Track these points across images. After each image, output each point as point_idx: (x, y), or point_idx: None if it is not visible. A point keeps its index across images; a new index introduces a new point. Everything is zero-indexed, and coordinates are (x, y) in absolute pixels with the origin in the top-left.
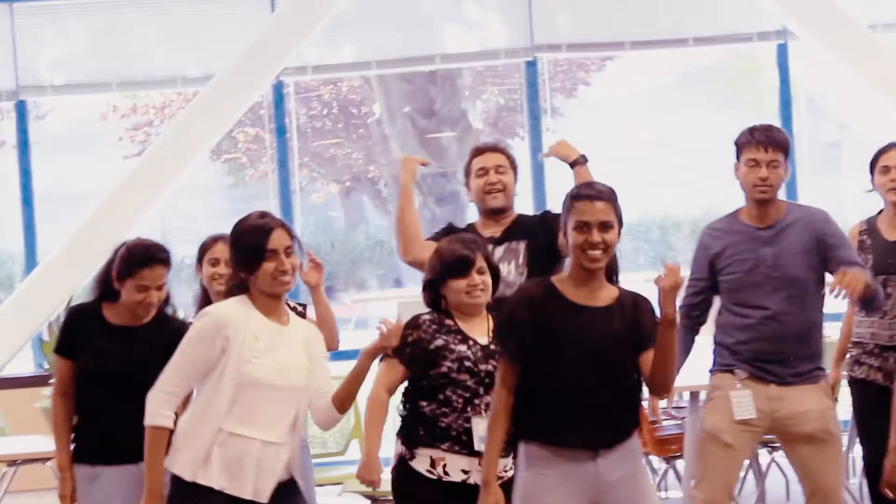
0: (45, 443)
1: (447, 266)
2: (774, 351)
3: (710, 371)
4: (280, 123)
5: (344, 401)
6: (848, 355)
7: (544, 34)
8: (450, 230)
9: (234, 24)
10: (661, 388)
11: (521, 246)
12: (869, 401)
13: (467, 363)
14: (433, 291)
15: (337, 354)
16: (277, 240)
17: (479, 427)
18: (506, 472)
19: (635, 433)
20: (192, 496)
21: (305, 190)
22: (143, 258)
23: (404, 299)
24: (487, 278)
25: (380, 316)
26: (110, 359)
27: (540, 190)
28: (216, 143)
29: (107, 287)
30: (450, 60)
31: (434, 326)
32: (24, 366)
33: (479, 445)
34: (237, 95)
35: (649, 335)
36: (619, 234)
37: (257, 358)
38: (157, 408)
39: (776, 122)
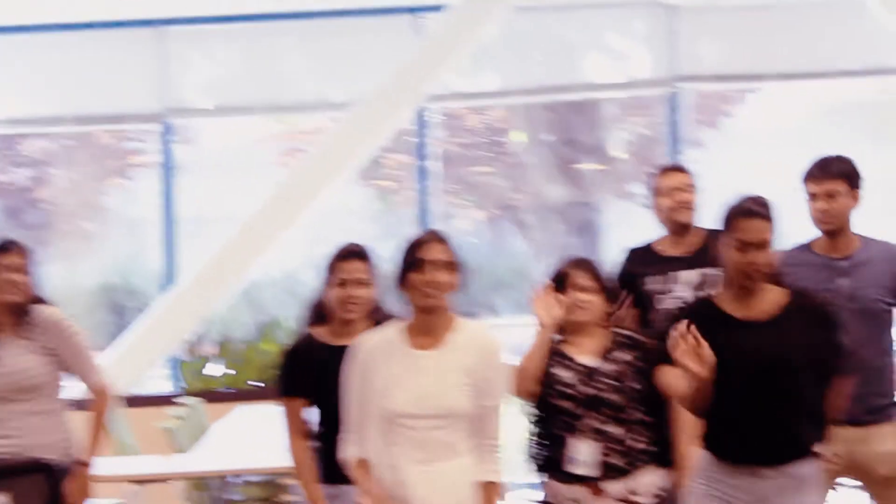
0: (170, 463)
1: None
2: None
3: None
4: (421, 149)
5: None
6: None
7: (687, 64)
8: (630, 254)
9: (380, 51)
10: None
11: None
12: None
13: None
14: None
15: None
16: (429, 251)
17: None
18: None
19: (814, 455)
20: None
21: (454, 216)
22: (340, 253)
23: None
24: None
25: (510, 343)
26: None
27: None
28: (358, 168)
29: (317, 311)
30: (591, 90)
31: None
32: (157, 385)
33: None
34: (379, 121)
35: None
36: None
37: (394, 387)
38: (344, 449)
39: None
